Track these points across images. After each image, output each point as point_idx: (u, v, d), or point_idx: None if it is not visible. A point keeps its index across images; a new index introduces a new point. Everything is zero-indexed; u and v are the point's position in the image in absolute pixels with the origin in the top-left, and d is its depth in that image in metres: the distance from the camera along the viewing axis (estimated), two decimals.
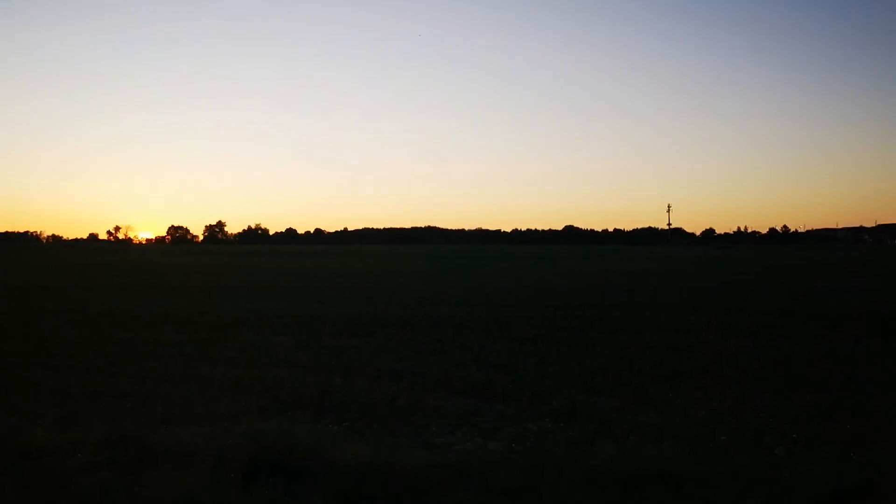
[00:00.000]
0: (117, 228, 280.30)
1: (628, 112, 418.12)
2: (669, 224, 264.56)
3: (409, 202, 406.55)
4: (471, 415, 11.85)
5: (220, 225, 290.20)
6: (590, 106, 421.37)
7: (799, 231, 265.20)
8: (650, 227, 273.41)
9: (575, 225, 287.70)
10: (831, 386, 13.68)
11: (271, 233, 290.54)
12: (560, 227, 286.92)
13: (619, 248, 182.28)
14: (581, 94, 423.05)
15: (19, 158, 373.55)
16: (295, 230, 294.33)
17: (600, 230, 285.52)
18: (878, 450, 9.31)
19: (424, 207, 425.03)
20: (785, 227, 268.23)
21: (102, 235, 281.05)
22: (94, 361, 16.31)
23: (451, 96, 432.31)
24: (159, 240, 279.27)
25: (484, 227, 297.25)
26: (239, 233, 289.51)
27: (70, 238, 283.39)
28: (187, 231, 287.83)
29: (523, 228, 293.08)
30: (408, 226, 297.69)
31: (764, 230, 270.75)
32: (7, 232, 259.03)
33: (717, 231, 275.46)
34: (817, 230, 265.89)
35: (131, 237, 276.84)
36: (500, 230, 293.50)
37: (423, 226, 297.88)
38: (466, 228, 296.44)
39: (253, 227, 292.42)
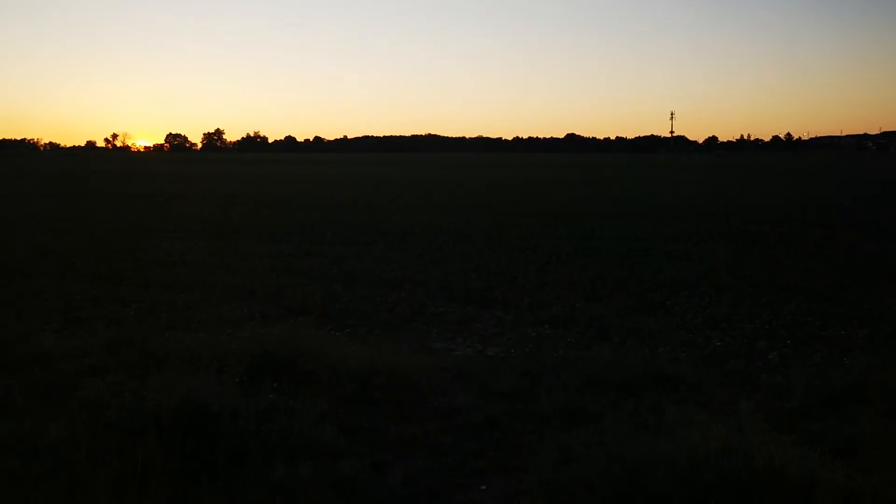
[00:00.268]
0: (115, 136, 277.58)
1: (631, 18, 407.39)
2: (672, 132, 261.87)
3: (410, 110, 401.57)
4: (471, 321, 12.01)
5: (219, 133, 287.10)
6: (593, 12, 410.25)
7: (802, 139, 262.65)
8: (653, 135, 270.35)
9: (577, 133, 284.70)
10: (826, 293, 13.81)
11: (270, 141, 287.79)
12: (562, 135, 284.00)
13: (620, 156, 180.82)
14: (584, 0, 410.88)
15: (16, 66, 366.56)
16: (294, 138, 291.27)
17: (602, 138, 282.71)
18: (870, 354, 9.46)
19: (425, 115, 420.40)
20: (788, 134, 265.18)
21: (100, 143, 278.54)
22: (96, 269, 16.43)
23: (452, 3, 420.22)
24: (157, 148, 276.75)
25: (485, 135, 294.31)
26: (238, 141, 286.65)
27: (67, 146, 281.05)
28: (186, 139, 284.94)
29: (525, 136, 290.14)
30: (408, 134, 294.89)
31: (767, 138, 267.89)
32: (4, 140, 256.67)
33: (721, 139, 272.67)
34: (821, 137, 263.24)
35: (129, 145, 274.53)
36: (501, 138, 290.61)
37: (423, 133, 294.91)
38: (467, 136, 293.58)
39: (252, 135, 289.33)
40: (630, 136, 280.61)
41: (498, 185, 54.98)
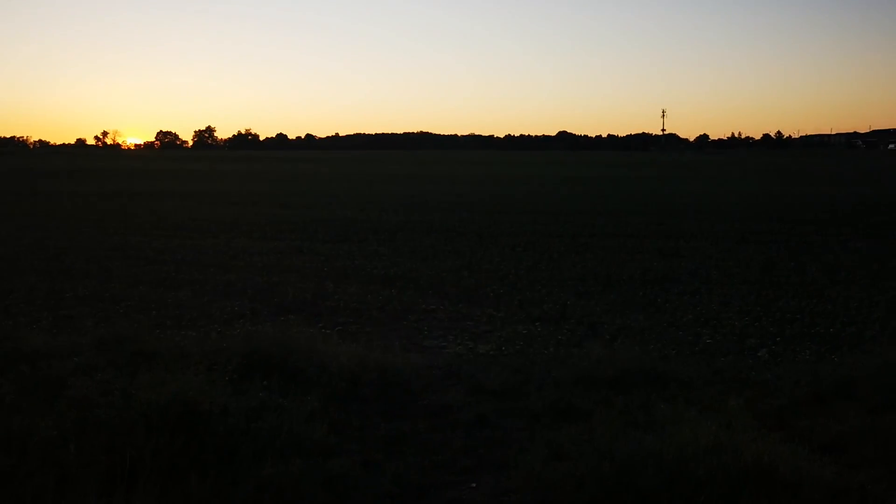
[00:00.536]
0: (105, 134, 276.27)
1: (623, 16, 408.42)
2: (664, 130, 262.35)
3: (402, 108, 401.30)
4: (462, 319, 12.02)
5: (210, 130, 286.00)
6: (585, 11, 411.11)
7: (792, 137, 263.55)
8: (644, 133, 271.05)
9: (569, 130, 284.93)
10: (815, 290, 13.88)
11: (262, 138, 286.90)
12: (554, 133, 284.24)
13: (611, 153, 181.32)
14: None
15: (4, 62, 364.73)
16: (286, 136, 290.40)
17: (594, 136, 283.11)
18: (857, 351, 9.51)
19: (417, 113, 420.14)
20: (779, 132, 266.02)
21: (90, 141, 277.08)
22: (86, 266, 16.37)
23: (444, 1, 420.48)
24: (148, 145, 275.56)
25: (477, 133, 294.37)
26: (229, 138, 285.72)
27: (57, 144, 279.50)
28: (176, 136, 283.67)
29: (516, 134, 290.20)
30: (400, 131, 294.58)
31: (758, 136, 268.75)
32: None
33: (711, 137, 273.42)
34: (811, 136, 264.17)
35: (119, 142, 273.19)
36: (493, 136, 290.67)
37: (415, 131, 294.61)
38: (459, 134, 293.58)
39: (243, 132, 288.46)
40: (621, 133, 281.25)
41: (489, 182, 54.99)
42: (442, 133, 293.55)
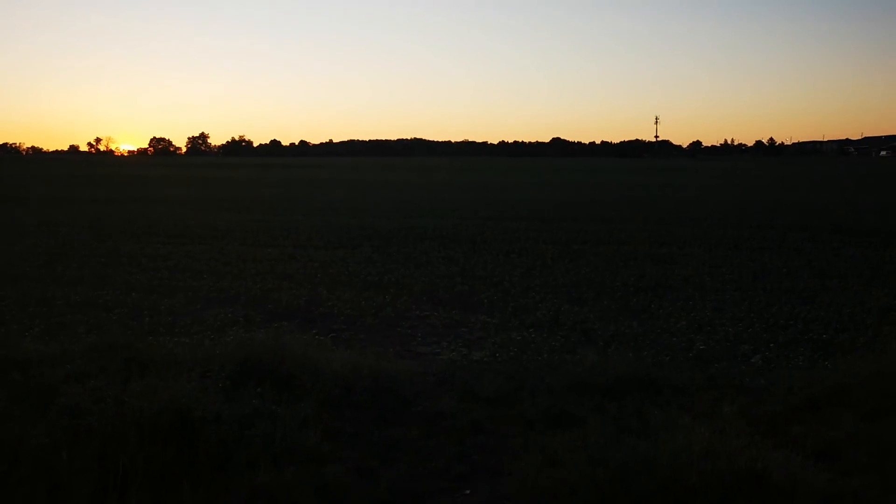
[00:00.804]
0: (98, 140, 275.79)
1: (617, 23, 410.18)
2: (657, 136, 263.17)
3: (396, 114, 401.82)
4: (456, 325, 12.01)
5: (203, 137, 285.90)
6: (579, 17, 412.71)
7: (785, 143, 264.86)
8: (637, 140, 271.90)
9: (562, 137, 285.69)
10: (808, 296, 13.92)
11: (255, 145, 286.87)
12: (547, 140, 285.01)
13: (605, 160, 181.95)
14: (570, 5, 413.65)
15: None
16: (279, 142, 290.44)
17: (587, 143, 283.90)
18: (850, 358, 9.53)
19: (411, 119, 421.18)
20: (771, 139, 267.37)
21: (83, 147, 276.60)
22: (78, 273, 16.31)
23: (438, 8, 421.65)
24: (141, 152, 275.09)
25: (471, 139, 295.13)
26: (222, 145, 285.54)
27: (50, 150, 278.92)
28: (170, 143, 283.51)
29: (510, 141, 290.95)
30: (394, 138, 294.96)
31: (750, 143, 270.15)
32: None
33: (704, 143, 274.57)
34: (803, 142, 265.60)
35: (112, 149, 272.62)
36: (486, 142, 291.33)
37: (409, 138, 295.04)
38: (453, 141, 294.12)
39: (237, 138, 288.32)
40: (615, 140, 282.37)
41: (483, 188, 55.04)
42: (436, 139, 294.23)
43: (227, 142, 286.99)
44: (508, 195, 46.58)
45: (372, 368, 8.69)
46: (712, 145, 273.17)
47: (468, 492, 6.14)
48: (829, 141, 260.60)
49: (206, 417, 6.38)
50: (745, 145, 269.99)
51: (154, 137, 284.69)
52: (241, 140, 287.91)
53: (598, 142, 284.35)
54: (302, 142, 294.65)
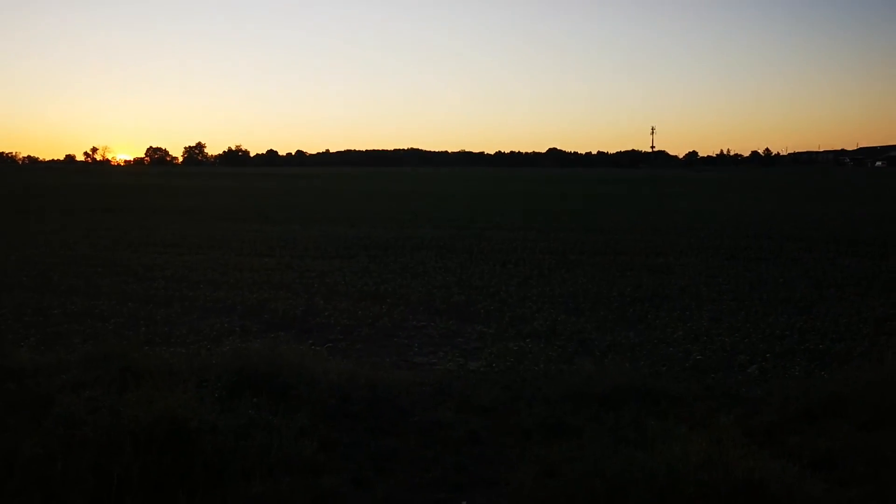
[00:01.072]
0: (94, 150, 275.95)
1: (613, 34, 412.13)
2: (653, 147, 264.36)
3: (393, 124, 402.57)
4: (452, 335, 12.00)
5: (200, 146, 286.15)
6: (575, 28, 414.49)
7: (781, 154, 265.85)
8: (634, 150, 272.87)
9: (559, 147, 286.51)
10: (805, 306, 13.93)
11: (252, 154, 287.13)
12: (544, 150, 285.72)
13: (601, 171, 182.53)
14: (566, 16, 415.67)
15: None
16: (276, 152, 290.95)
17: (584, 153, 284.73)
18: (847, 368, 9.53)
19: (408, 130, 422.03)
20: (767, 149, 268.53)
21: (80, 157, 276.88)
22: (74, 283, 16.27)
23: (435, 17, 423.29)
24: (138, 161, 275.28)
25: (467, 150, 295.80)
26: (219, 155, 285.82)
27: (46, 160, 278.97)
28: (166, 152, 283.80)
29: (507, 151, 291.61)
30: (390, 148, 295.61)
31: (746, 153, 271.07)
32: None
33: (701, 154, 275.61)
34: (799, 153, 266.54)
35: (109, 158, 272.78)
36: (483, 152, 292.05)
37: (406, 148, 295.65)
38: (450, 151, 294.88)
39: (233, 148, 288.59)
40: (611, 150, 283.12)
41: (480, 198, 55.10)
42: (432, 150, 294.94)
43: (224, 151, 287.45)
44: (505, 205, 46.62)
45: (368, 379, 8.68)
46: (708, 155, 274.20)
47: (465, 502, 6.13)
48: (824, 151, 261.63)
49: (202, 428, 6.36)
50: (740, 155, 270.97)
51: (151, 147, 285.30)
52: (238, 150, 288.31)
53: (594, 152, 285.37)
54: (299, 152, 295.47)
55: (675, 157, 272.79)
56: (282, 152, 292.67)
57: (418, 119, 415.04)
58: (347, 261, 20.07)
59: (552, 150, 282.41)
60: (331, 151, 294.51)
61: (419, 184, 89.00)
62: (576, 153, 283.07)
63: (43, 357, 9.28)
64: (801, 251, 22.10)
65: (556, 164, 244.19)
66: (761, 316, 13.09)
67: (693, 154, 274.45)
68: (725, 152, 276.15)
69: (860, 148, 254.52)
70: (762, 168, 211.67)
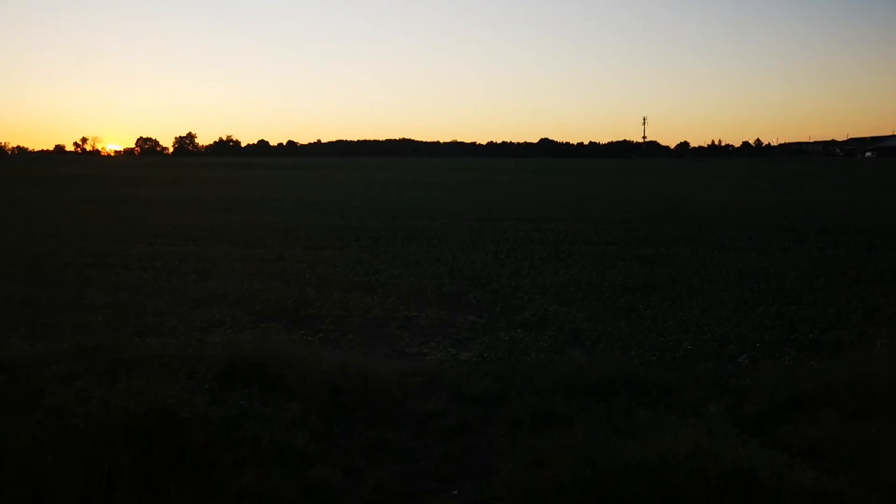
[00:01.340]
0: (84, 140, 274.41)
1: (605, 24, 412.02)
2: (645, 137, 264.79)
3: (385, 114, 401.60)
4: (444, 325, 12.01)
5: (191, 136, 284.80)
6: (567, 19, 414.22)
7: (772, 144, 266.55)
8: (626, 140, 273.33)
9: (550, 138, 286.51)
10: (794, 296, 14.00)
11: (243, 145, 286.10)
12: (536, 140, 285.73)
13: (593, 160, 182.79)
14: (558, 7, 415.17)
15: None
16: (267, 142, 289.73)
17: (576, 143, 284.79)
18: (836, 357, 9.59)
19: (400, 120, 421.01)
20: (758, 140, 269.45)
21: (69, 147, 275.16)
22: (64, 274, 16.20)
23: (426, 8, 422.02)
24: (128, 151, 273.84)
25: (459, 140, 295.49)
26: (210, 145, 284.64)
27: (36, 150, 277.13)
28: (157, 143, 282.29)
29: (499, 141, 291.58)
30: (382, 138, 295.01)
31: (737, 143, 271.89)
32: None
33: (692, 144, 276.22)
34: (790, 143, 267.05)
35: (99, 149, 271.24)
36: (475, 143, 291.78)
37: (397, 138, 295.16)
38: (442, 141, 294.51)
39: (224, 138, 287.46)
40: (603, 141, 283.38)
41: (472, 188, 55.06)
42: (424, 140, 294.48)
43: (215, 142, 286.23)
44: (497, 195, 46.62)
45: (360, 369, 8.68)
46: (700, 146, 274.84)
47: (456, 492, 6.15)
48: (814, 142, 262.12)
49: (193, 419, 6.35)
50: (732, 146, 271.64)
51: (141, 137, 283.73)
52: (229, 140, 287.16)
53: (586, 142, 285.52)
54: (290, 142, 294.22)
55: (667, 147, 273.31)
56: (273, 142, 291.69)
57: (410, 110, 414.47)
58: (339, 251, 20.05)
59: (544, 141, 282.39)
60: (322, 141, 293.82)
61: (411, 173, 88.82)
62: (568, 143, 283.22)
63: (33, 348, 9.24)
64: (791, 241, 22.18)
65: (548, 155, 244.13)
66: (751, 306, 13.15)
67: (685, 144, 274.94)
68: (717, 143, 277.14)
69: (850, 139, 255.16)
70: (753, 158, 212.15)
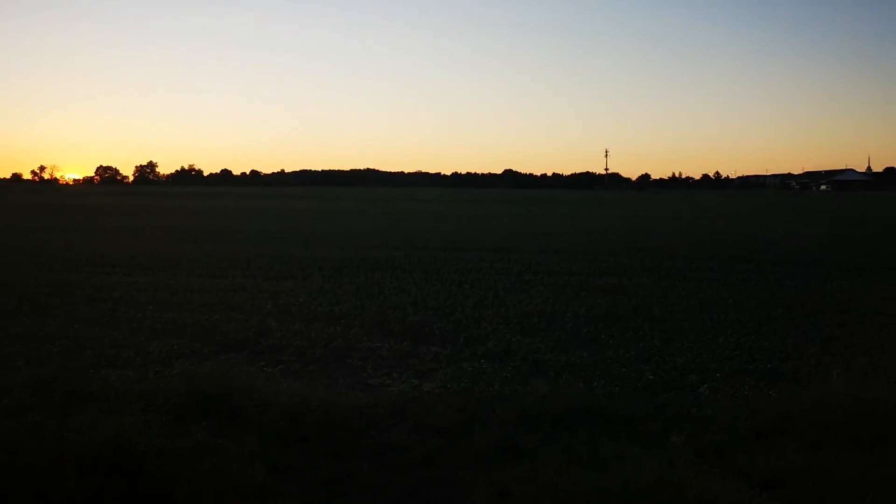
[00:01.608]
0: (42, 168, 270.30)
1: (567, 57, 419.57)
2: (607, 169, 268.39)
3: (349, 144, 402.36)
4: (407, 356, 11.94)
5: (152, 165, 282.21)
6: (530, 51, 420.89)
7: (730, 177, 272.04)
8: (588, 172, 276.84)
9: (514, 169, 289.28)
10: (754, 327, 14.19)
11: (206, 174, 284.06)
12: (499, 171, 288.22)
13: (556, 192, 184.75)
14: (521, 39, 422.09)
15: None
16: (230, 171, 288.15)
17: (539, 174, 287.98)
18: (794, 387, 9.72)
19: (364, 150, 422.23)
20: (717, 173, 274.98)
21: (27, 175, 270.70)
22: (19, 305, 15.82)
23: (393, 38, 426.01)
24: (87, 180, 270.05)
25: (423, 170, 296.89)
26: (171, 174, 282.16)
27: None
28: (117, 172, 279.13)
29: (463, 172, 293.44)
30: (346, 168, 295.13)
31: (697, 176, 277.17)
32: None
33: (653, 176, 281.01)
34: (748, 176, 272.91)
35: (57, 177, 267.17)
36: (440, 173, 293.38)
37: (362, 168, 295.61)
38: (406, 171, 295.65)
39: (186, 167, 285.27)
40: (566, 172, 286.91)
41: (436, 219, 55.19)
42: (389, 170, 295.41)
43: (176, 171, 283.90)
44: (461, 226, 46.78)
45: (321, 401, 8.58)
46: (661, 178, 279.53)
47: None
48: (772, 175, 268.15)
49: (149, 452, 6.22)
50: (692, 178, 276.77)
51: (101, 166, 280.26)
52: (191, 169, 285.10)
53: (549, 173, 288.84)
54: (253, 171, 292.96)
55: (629, 179, 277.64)
56: (236, 171, 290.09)
57: (374, 140, 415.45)
58: (301, 281, 19.90)
59: (508, 172, 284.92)
60: (286, 171, 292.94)
61: (375, 204, 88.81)
62: (531, 175, 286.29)
63: None
64: (750, 272, 22.54)
65: (512, 186, 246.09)
66: (712, 336, 13.29)
67: (646, 176, 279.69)
68: (677, 175, 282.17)
69: (806, 172, 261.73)
70: (712, 191, 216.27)
